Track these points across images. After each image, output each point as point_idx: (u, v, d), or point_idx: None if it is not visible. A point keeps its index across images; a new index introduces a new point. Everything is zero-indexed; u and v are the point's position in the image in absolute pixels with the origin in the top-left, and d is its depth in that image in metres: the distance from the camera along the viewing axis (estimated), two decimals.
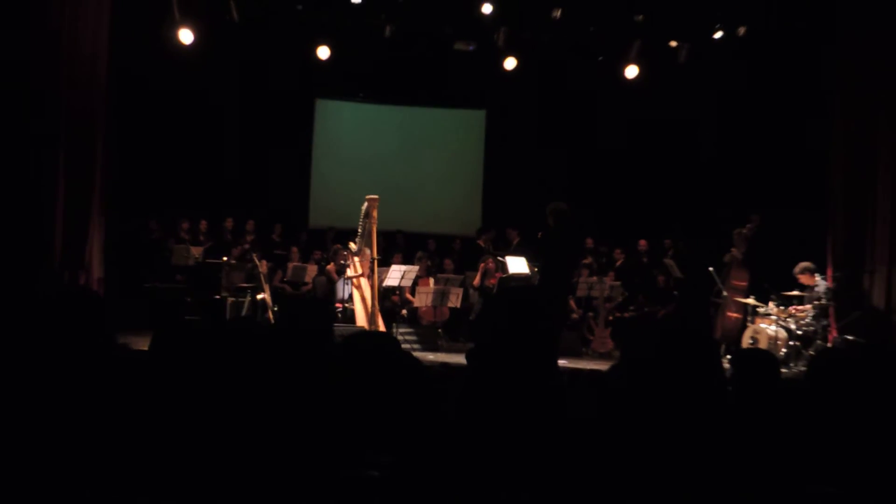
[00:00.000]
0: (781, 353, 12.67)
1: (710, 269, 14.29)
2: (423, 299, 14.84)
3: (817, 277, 13.31)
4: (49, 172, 12.31)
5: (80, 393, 3.17)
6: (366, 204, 12.76)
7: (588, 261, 16.50)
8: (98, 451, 2.95)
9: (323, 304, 14.21)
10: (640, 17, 15.44)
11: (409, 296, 15.39)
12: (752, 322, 13.43)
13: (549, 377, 3.10)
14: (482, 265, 15.61)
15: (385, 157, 19.52)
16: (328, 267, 15.59)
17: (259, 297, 14.16)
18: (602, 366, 11.81)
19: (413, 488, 2.79)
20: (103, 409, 3.09)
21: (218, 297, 14.77)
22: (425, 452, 2.88)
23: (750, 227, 14.66)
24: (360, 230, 12.95)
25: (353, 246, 13.26)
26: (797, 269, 13.35)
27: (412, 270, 14.74)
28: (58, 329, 3.46)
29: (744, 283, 14.32)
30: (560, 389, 3.10)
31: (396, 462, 2.88)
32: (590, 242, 17.13)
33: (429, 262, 16.30)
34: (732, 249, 14.65)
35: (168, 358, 3.41)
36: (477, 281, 15.53)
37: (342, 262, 14.53)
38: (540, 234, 12.68)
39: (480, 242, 17.78)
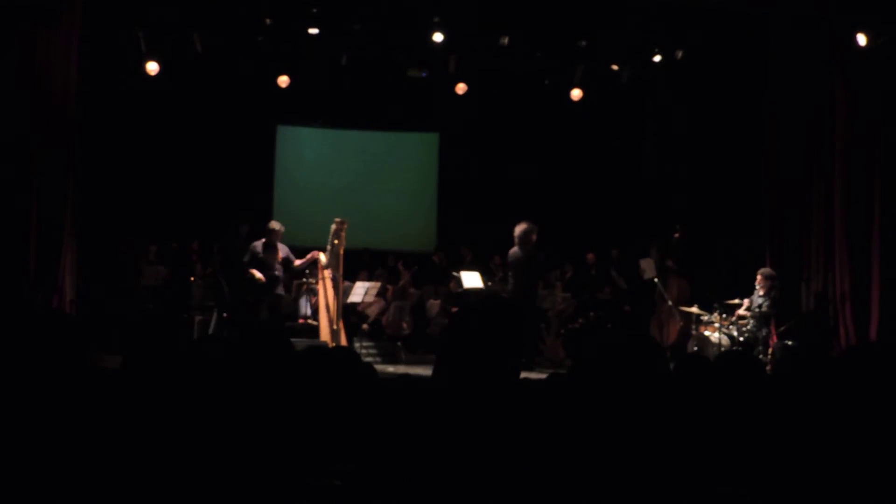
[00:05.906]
0: None
1: (656, 279, 14.33)
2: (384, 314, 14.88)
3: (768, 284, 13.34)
4: (21, 197, 12.18)
5: (56, 416, 3.11)
6: (334, 226, 12.76)
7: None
8: (72, 472, 2.91)
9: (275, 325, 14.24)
10: (584, 42, 15.51)
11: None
12: (697, 330, 13.46)
13: (512, 385, 3.08)
14: (451, 284, 15.57)
15: (343, 178, 19.48)
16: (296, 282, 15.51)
17: (225, 315, 14.04)
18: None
19: (374, 497, 2.78)
20: (78, 432, 3.04)
21: (186, 315, 14.64)
22: (386, 461, 2.86)
23: (677, 236, 14.73)
24: (329, 247, 12.93)
25: (322, 258, 13.19)
26: (762, 271, 13.24)
27: (375, 287, 14.71)
28: (33, 351, 3.40)
29: (685, 293, 14.38)
30: (518, 395, 3.09)
31: (359, 471, 2.86)
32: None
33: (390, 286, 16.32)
34: (668, 261, 14.73)
35: (140, 377, 3.37)
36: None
37: (305, 279, 14.40)
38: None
39: (435, 258, 17.78)
